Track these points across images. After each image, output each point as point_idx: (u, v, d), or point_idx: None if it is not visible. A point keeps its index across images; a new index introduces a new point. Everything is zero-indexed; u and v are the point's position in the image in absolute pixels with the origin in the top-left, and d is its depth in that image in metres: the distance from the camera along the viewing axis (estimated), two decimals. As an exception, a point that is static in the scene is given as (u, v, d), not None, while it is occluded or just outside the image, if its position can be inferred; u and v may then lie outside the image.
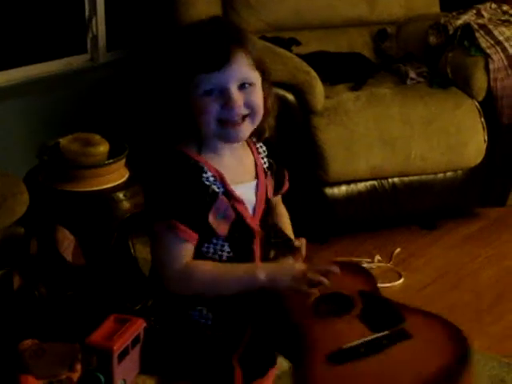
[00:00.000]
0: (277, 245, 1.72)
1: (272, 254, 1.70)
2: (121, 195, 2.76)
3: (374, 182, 3.49)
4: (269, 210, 1.70)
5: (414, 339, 1.54)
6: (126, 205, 2.76)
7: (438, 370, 1.46)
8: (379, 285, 1.77)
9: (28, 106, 3.55)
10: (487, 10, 3.82)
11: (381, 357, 1.50)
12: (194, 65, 1.56)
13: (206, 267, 1.59)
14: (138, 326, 2.61)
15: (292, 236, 1.79)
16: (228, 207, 1.59)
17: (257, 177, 1.67)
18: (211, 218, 1.58)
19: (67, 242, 2.81)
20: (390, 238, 3.59)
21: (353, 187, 3.46)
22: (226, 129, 1.58)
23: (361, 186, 3.48)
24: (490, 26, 3.64)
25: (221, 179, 1.60)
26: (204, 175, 1.58)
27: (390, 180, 3.51)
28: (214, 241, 1.61)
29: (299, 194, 3.18)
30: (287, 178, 1.80)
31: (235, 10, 3.80)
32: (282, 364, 1.75)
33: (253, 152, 1.70)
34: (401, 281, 3.26)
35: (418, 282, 3.27)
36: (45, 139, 2.96)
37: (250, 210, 1.64)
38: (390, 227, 3.64)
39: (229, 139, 1.61)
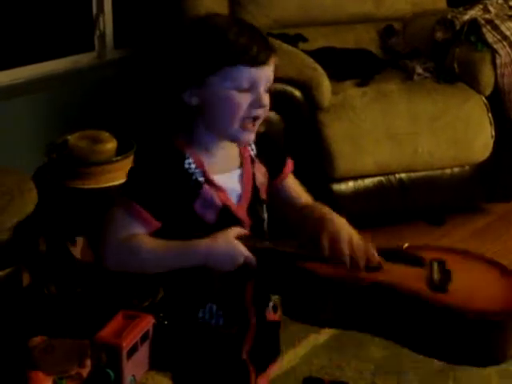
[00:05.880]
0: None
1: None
2: (129, 192, 2.77)
3: (381, 178, 3.49)
4: (257, 200, 1.65)
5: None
6: (134, 202, 2.76)
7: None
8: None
9: (36, 104, 3.56)
10: (494, 5, 3.81)
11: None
12: (234, 55, 1.50)
13: (148, 239, 1.54)
14: (147, 323, 2.62)
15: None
16: (213, 196, 1.57)
17: (241, 165, 1.64)
18: (198, 206, 1.56)
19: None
20: (398, 234, 3.58)
21: (360, 183, 3.46)
22: (244, 130, 1.55)
23: (368, 181, 3.48)
24: (497, 21, 3.64)
25: (201, 167, 1.57)
26: (186, 161, 1.56)
27: (397, 176, 3.51)
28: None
29: (306, 190, 3.18)
30: (287, 159, 1.76)
31: (242, 6, 3.81)
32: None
33: None
34: (408, 276, 3.26)
35: (426, 278, 3.27)
36: (53, 137, 2.97)
37: (235, 199, 1.61)
38: (398, 223, 3.63)
39: (242, 141, 1.59)
